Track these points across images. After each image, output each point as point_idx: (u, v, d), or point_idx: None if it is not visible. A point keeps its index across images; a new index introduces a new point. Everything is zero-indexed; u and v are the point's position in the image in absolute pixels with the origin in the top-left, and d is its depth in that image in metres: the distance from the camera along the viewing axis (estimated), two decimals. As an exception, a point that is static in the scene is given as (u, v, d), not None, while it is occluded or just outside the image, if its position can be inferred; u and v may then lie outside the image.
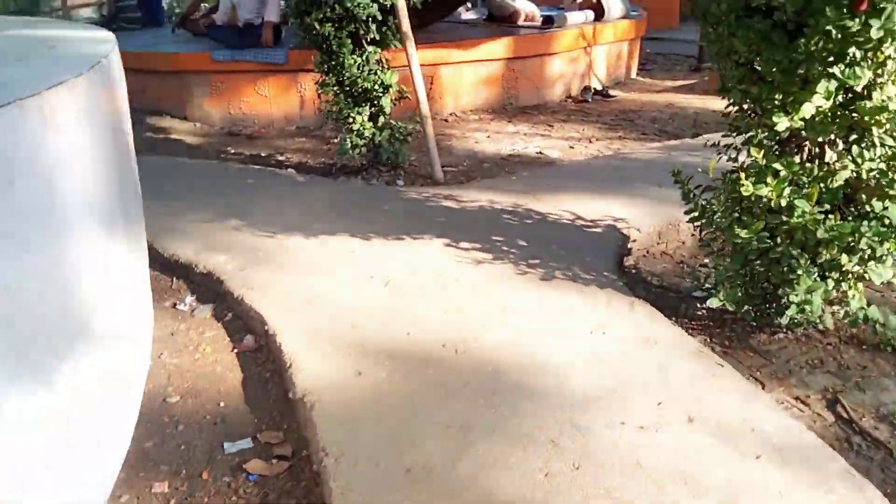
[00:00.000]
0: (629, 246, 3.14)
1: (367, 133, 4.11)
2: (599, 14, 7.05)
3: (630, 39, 7.47)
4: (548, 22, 6.59)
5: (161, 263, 3.08)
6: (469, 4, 7.92)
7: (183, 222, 3.37)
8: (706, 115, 5.83)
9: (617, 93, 6.83)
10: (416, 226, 3.24)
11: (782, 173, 2.17)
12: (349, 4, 3.73)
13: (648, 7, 8.72)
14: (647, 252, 3.22)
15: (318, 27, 3.83)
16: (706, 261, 2.77)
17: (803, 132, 2.17)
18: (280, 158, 4.94)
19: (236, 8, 5.94)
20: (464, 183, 4.15)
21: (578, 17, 6.85)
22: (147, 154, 5.06)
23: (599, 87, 6.79)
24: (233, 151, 5.13)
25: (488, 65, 6.11)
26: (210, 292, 2.84)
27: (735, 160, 2.42)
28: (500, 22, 7.17)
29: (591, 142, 5.13)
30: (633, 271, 3.04)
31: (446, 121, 5.91)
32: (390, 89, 4.08)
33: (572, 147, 4.99)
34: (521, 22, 7.06)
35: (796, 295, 2.25)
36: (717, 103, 6.61)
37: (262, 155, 5.03)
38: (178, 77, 5.81)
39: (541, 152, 4.88)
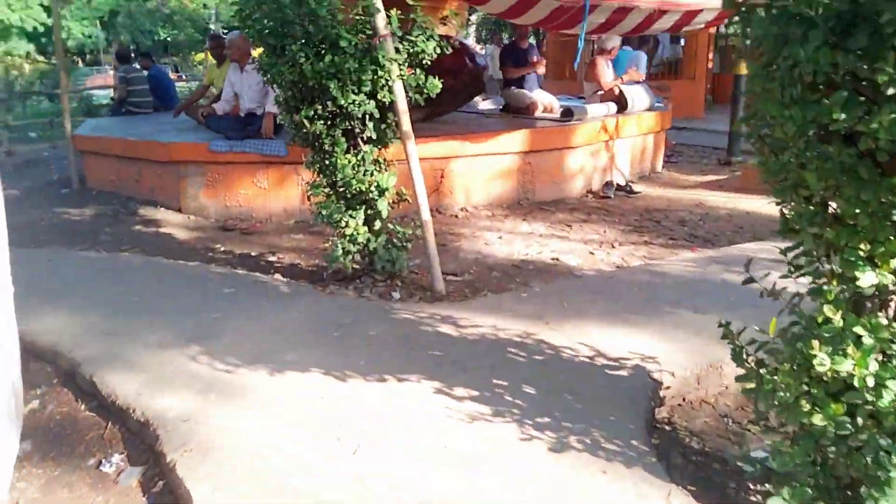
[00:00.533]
0: (662, 394, 2.58)
1: (360, 238, 3.67)
2: (622, 106, 6.72)
3: (655, 132, 7.10)
4: (567, 114, 6.25)
5: (98, 403, 2.59)
6: (485, 94, 7.68)
7: (135, 347, 2.89)
8: (740, 217, 5.33)
9: (641, 188, 6.39)
10: (405, 361, 2.72)
11: (866, 340, 1.64)
12: (343, 101, 3.36)
13: (671, 95, 8.42)
14: (684, 400, 2.65)
15: (308, 125, 3.46)
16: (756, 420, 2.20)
17: (891, 286, 1.65)
18: (271, 258, 4.52)
19: (239, 97, 5.69)
20: (468, 298, 3.65)
21: (600, 110, 6.51)
22: (129, 249, 4.68)
23: (622, 182, 6.37)
24: (222, 250, 4.72)
25: (503, 158, 5.74)
26: (144, 448, 2.32)
27: (796, 307, 1.90)
28: (517, 113, 6.87)
29: (613, 247, 4.64)
30: (667, 427, 2.47)
31: (456, 217, 5.49)
32: (387, 192, 3.66)
33: (593, 253, 4.50)
34: (538, 113, 6.74)
35: (887, 500, 1.67)
36: (752, 203, 5.99)
37: (252, 254, 4.61)
38: (174, 167, 5.50)
39: (557, 258, 4.39)
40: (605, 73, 6.99)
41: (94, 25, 25.52)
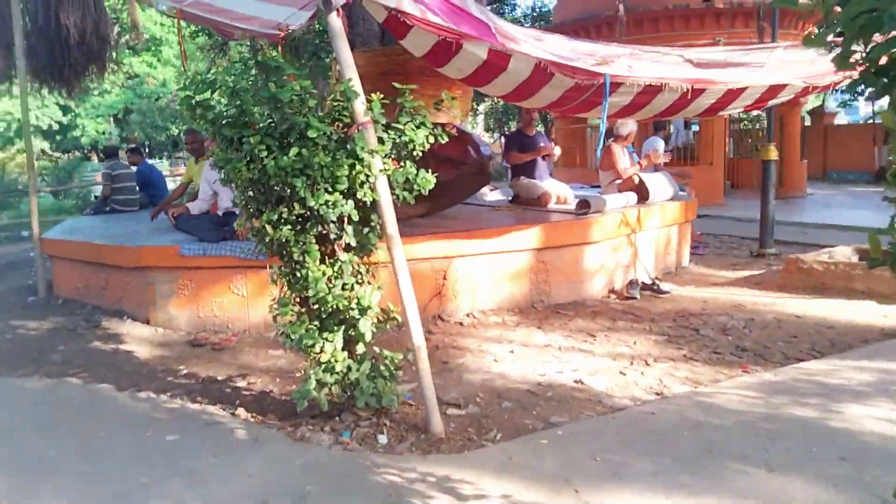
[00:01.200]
0: None
1: (339, 367, 2.97)
2: (643, 196, 6.12)
3: (680, 224, 6.47)
4: (583, 206, 5.63)
5: None
6: (493, 185, 7.14)
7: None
8: (790, 323, 4.58)
9: (669, 286, 5.69)
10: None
11: None
12: (313, 203, 2.74)
13: (692, 181, 7.85)
14: None
15: (271, 231, 2.83)
16: None
17: None
18: (239, 384, 3.80)
19: (217, 195, 5.14)
20: (473, 442, 2.89)
21: (619, 201, 5.91)
22: (78, 374, 3.99)
23: (648, 281, 5.68)
24: (184, 373, 4.02)
25: (513, 256, 5.09)
26: None
27: None
28: (528, 205, 6.28)
29: (647, 364, 3.89)
30: None
31: (461, 324, 4.78)
32: (370, 310, 2.98)
33: (624, 373, 3.75)
34: (551, 205, 6.15)
35: None
36: (799, 304, 5.15)
37: (219, 378, 3.89)
38: (142, 274, 4.88)
39: (581, 381, 3.64)
40: (622, 160, 6.44)
41: (108, 122, 25.91)
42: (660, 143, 7.71)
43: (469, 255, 4.94)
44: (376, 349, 3.14)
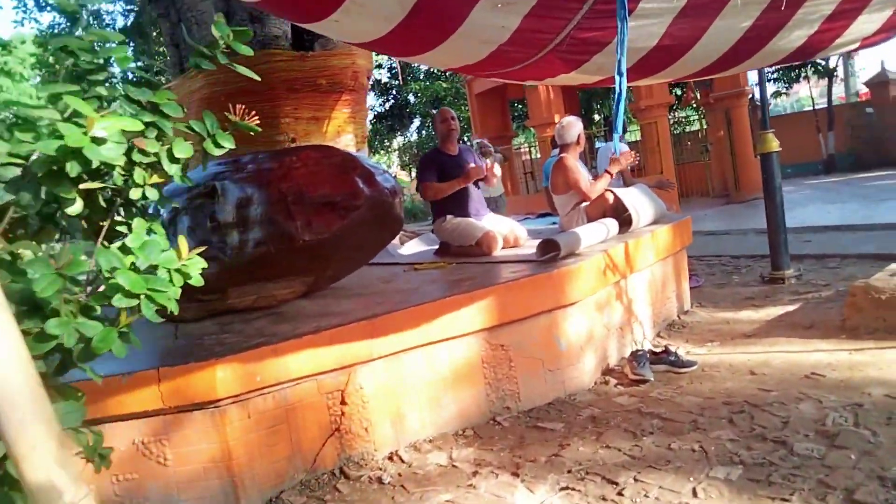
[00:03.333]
0: None
1: None
2: (624, 221, 4.30)
3: (675, 253, 4.68)
4: (549, 248, 3.73)
5: None
6: (408, 232, 5.22)
7: None
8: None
9: (685, 349, 3.85)
10: None
11: None
12: None
13: (670, 189, 6.12)
14: None
15: None
16: None
17: None
18: None
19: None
20: None
21: (596, 233, 4.05)
22: None
23: (657, 348, 3.82)
24: None
25: (454, 346, 3.14)
26: None
27: None
28: (463, 256, 4.35)
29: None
30: None
31: (380, 482, 2.76)
32: None
33: None
34: (497, 253, 4.25)
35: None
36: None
37: None
38: None
39: None
40: (582, 174, 4.63)
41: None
42: (621, 146, 6.01)
43: (382, 357, 2.95)
44: None
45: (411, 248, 5.17)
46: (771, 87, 18.06)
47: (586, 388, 3.48)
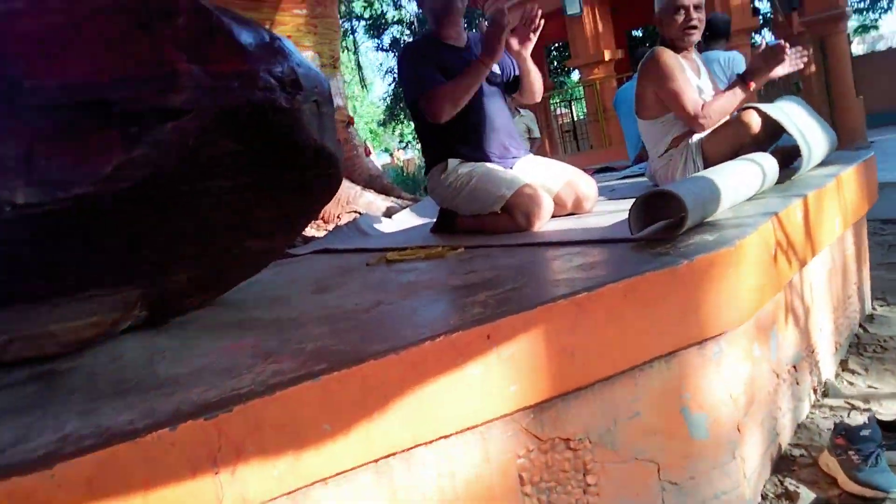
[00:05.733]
0: None
1: None
2: (784, 158, 2.34)
3: (857, 219, 2.70)
4: (653, 212, 1.80)
5: None
6: (405, 197, 3.33)
7: None
8: None
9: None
10: None
11: None
12: None
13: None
14: None
15: None
16: None
17: None
18: None
19: None
20: None
21: (745, 181, 2.06)
22: None
23: (885, 415, 1.89)
24: None
25: (453, 449, 1.27)
26: None
27: None
28: (478, 232, 2.43)
29: None
30: None
31: None
32: None
33: None
34: (543, 224, 2.34)
35: None
36: None
37: None
38: None
39: None
40: (686, 80, 2.64)
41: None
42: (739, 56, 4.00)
43: (298, 490, 1.12)
44: None
45: (401, 221, 3.30)
46: (855, 22, 15.48)
47: (749, 518, 1.60)
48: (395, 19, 19.20)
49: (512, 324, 1.33)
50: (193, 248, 1.61)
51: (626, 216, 1.81)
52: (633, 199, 1.81)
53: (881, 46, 20.99)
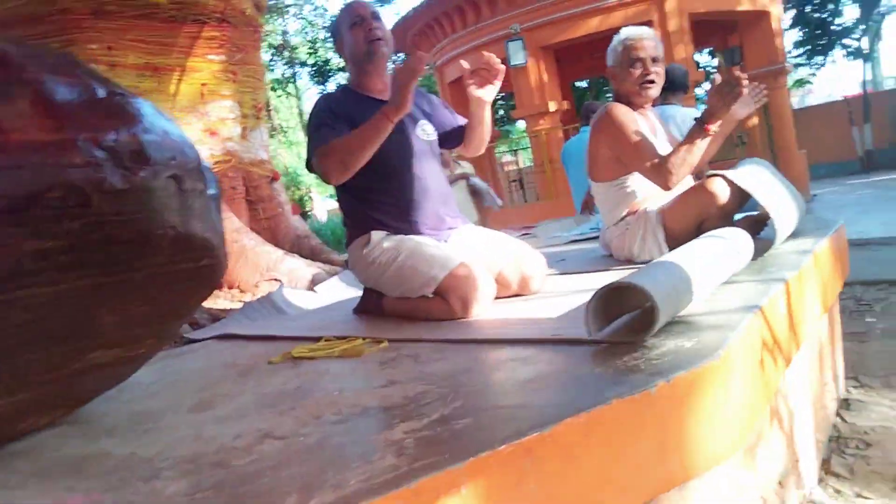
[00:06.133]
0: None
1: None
2: (751, 226, 2.06)
3: (832, 301, 2.44)
4: (612, 306, 1.48)
5: None
6: (333, 261, 2.97)
7: None
8: None
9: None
10: None
11: None
12: None
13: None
14: None
15: None
16: None
17: None
18: None
19: None
20: None
21: (718, 264, 1.76)
22: None
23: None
24: None
25: None
26: None
27: None
28: (406, 317, 2.05)
29: None
30: None
31: None
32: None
33: None
34: (481, 310, 1.98)
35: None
36: None
37: None
38: None
39: None
40: (642, 135, 2.38)
41: None
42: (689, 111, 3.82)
43: None
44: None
45: (327, 292, 2.92)
46: (794, 75, 16.04)
47: None
48: (339, 66, 19.06)
49: (435, 486, 0.96)
50: (23, 366, 1.20)
51: (582, 307, 1.47)
52: (590, 291, 1.48)
53: (810, 101, 21.92)
